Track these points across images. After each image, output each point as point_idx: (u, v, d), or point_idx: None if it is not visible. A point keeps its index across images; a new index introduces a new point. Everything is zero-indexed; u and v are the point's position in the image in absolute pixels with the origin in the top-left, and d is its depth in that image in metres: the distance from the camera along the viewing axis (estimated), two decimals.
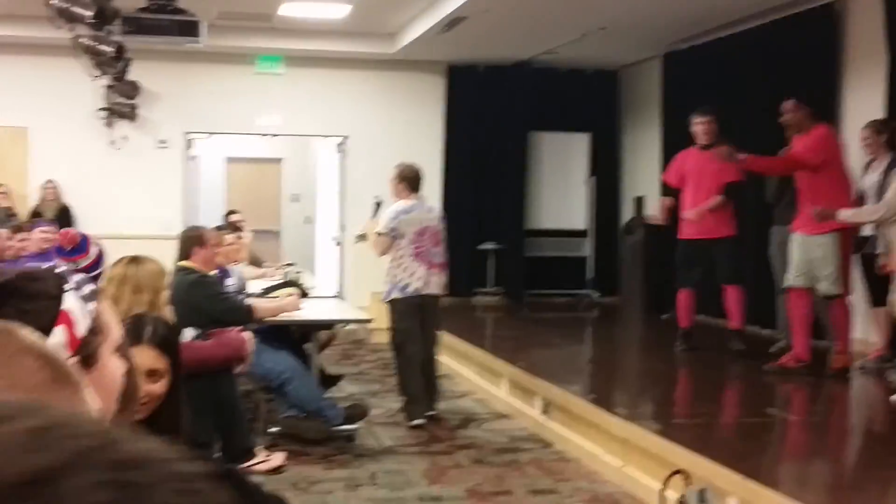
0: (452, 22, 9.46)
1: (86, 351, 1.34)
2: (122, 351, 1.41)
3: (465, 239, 12.15)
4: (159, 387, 2.36)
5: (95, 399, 1.12)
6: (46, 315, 1.30)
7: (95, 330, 1.36)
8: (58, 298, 1.32)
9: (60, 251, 5.18)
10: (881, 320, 6.84)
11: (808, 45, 8.46)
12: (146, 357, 2.39)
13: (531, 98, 12.06)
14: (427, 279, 6.54)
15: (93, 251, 5.03)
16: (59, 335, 1.31)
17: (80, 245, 5.14)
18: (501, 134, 12.19)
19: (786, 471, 4.71)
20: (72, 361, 1.32)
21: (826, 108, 8.14)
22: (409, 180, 6.66)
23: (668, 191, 8.33)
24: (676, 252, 8.10)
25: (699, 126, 7.86)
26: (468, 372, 8.04)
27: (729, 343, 7.63)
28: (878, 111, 7.33)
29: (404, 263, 6.54)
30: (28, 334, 1.03)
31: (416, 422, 6.30)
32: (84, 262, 4.74)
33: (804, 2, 8.33)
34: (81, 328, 1.33)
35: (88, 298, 1.38)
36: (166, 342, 2.48)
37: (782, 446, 5.17)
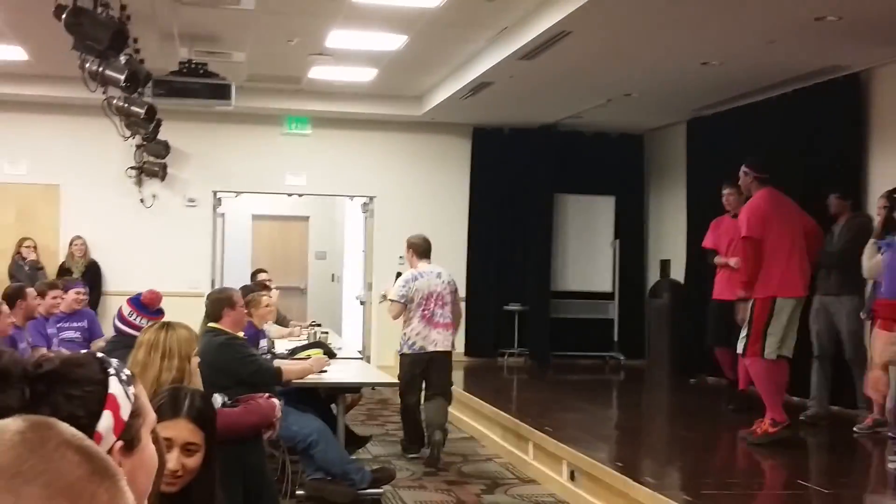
0: (478, 87, 9.58)
1: (129, 434, 1.36)
2: (154, 431, 1.43)
3: (491, 300, 12.18)
4: (195, 460, 2.36)
5: (134, 487, 1.14)
6: (94, 400, 1.32)
7: (136, 412, 1.38)
8: (103, 383, 1.35)
9: (144, 308, 5.29)
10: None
11: (832, 113, 8.52)
12: (184, 430, 2.39)
13: (556, 161, 12.14)
14: (433, 338, 7.32)
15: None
16: (106, 420, 1.33)
17: (160, 309, 5.29)
18: (527, 196, 12.25)
19: None
20: (118, 445, 1.35)
21: (851, 177, 8.17)
22: (418, 249, 7.59)
23: (708, 253, 8.74)
24: (709, 312, 8.57)
25: (727, 197, 8.42)
26: (494, 435, 8.00)
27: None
28: None
29: (412, 323, 7.39)
30: (68, 427, 1.05)
31: (409, 455, 7.38)
32: None
33: (829, 71, 8.37)
34: (125, 412, 1.36)
35: (128, 382, 1.41)
36: (203, 416, 2.49)
37: None
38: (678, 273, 11.27)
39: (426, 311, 7.34)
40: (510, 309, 12.08)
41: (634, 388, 10.72)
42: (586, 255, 12.28)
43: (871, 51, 7.67)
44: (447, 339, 7.38)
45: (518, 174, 12.25)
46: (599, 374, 11.25)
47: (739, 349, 6.65)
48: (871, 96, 8.30)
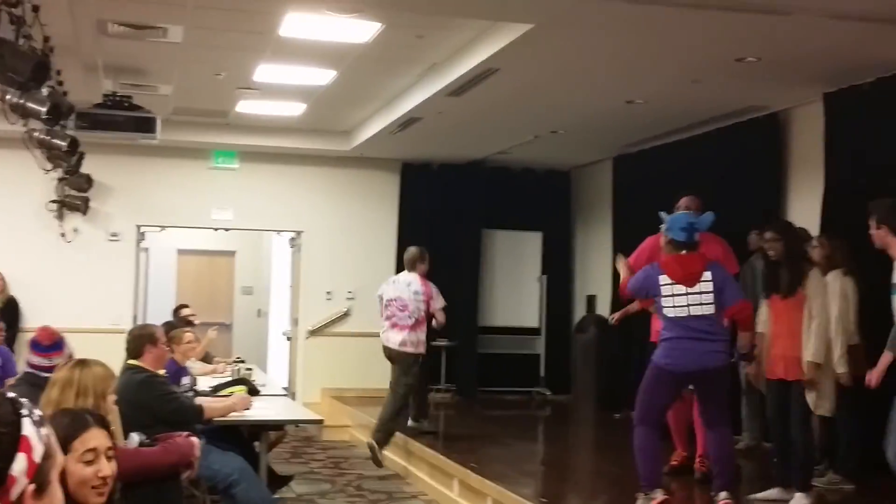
0: (407, 122, 9.61)
1: (41, 477, 1.32)
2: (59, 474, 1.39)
3: None
4: (115, 464, 2.41)
5: None
6: (7, 442, 1.27)
7: (48, 454, 1.34)
8: (16, 424, 1.30)
9: (36, 346, 5.08)
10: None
11: (753, 152, 8.71)
12: (101, 437, 2.45)
13: (484, 196, 12.22)
14: (389, 337, 8.27)
15: (66, 352, 4.95)
16: (20, 463, 1.28)
17: (57, 343, 5.06)
18: (455, 231, 12.29)
19: None
20: (30, 489, 1.29)
21: (770, 214, 8.34)
22: (405, 260, 8.69)
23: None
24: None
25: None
26: (420, 472, 7.94)
27: None
28: (817, 214, 7.50)
29: (382, 322, 8.41)
30: None
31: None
32: (58, 361, 4.64)
33: (750, 111, 8.57)
34: (38, 454, 1.31)
35: (40, 423, 1.36)
36: (105, 422, 2.57)
37: None
38: (604, 308, 11.37)
39: (390, 312, 8.30)
40: (437, 344, 12.03)
41: (560, 423, 10.75)
42: (514, 291, 12.34)
43: (789, 92, 7.88)
44: (399, 338, 8.17)
45: (446, 209, 12.29)
46: (526, 410, 11.26)
47: None
48: (789, 136, 8.52)
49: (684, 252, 5.55)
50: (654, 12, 5.74)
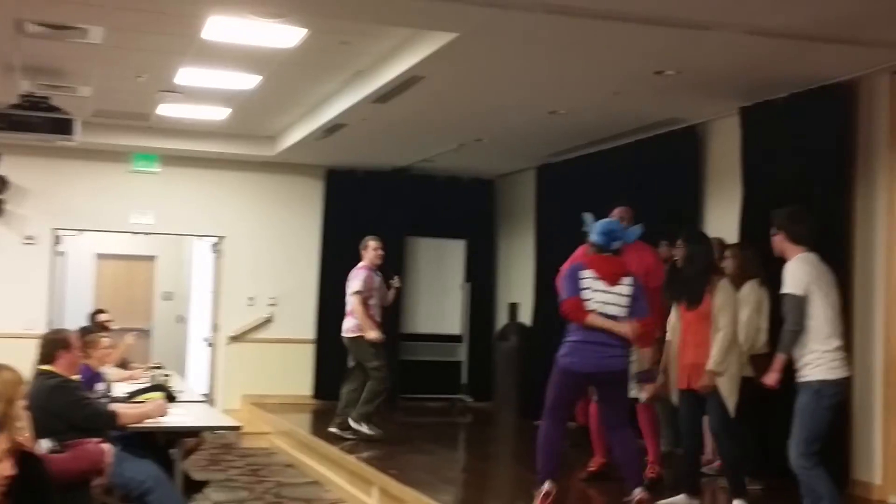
0: (332, 128, 9.59)
1: None
2: None
3: (341, 342, 12.05)
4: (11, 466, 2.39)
5: None
6: None
7: None
8: None
9: None
10: None
11: (672, 164, 8.87)
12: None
13: (408, 204, 12.25)
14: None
15: None
16: None
17: None
18: (378, 238, 12.25)
19: None
20: None
21: (690, 223, 8.51)
22: None
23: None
24: None
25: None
26: (340, 479, 7.91)
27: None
28: (735, 226, 7.68)
29: None
30: None
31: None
32: None
33: (669, 123, 8.73)
34: None
35: None
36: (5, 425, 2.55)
37: None
38: (526, 316, 11.47)
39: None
40: None
41: (481, 430, 10.78)
42: (437, 298, 12.37)
43: (707, 105, 8.04)
44: (345, 326, 8.96)
45: (370, 216, 12.25)
46: (447, 417, 11.30)
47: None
48: (707, 148, 8.69)
49: (606, 255, 5.68)
50: (575, 24, 5.82)
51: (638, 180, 9.24)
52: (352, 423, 8.61)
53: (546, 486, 5.62)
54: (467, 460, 8.84)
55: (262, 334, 12.15)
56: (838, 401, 5.22)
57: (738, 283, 6.56)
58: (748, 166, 7.76)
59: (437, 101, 8.16)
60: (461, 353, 12.32)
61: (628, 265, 5.82)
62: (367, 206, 12.21)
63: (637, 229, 5.91)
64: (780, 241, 5.36)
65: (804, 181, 7.09)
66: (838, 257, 6.31)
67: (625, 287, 5.58)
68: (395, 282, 9.17)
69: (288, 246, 12.22)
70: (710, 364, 5.66)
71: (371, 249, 9.02)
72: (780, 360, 5.18)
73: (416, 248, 12.39)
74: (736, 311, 5.90)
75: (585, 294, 5.53)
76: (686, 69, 6.92)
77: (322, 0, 5.86)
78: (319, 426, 10.16)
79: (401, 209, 12.25)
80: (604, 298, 5.55)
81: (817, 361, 5.09)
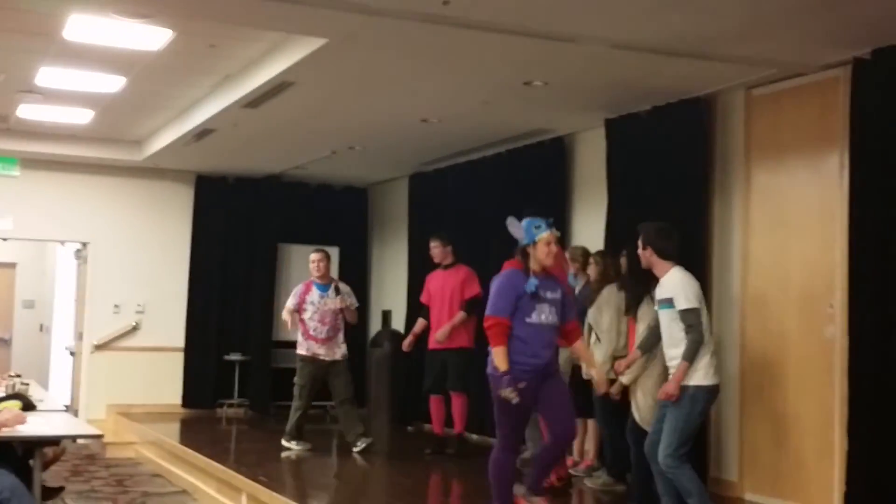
0: (201, 133, 9.44)
1: None
2: None
3: (211, 349, 11.93)
4: None
5: None
6: None
7: None
8: None
9: None
10: (591, 431, 7.43)
11: (541, 174, 9.06)
12: None
13: (281, 211, 12.17)
14: None
15: None
16: None
17: None
18: (250, 245, 12.18)
19: None
20: None
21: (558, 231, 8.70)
22: None
23: (423, 309, 8.84)
24: (425, 362, 8.73)
25: (432, 249, 8.69)
26: (208, 488, 7.79)
27: (446, 447, 8.42)
28: (601, 235, 7.89)
29: None
30: None
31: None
32: None
33: (538, 134, 8.91)
34: None
35: None
36: None
37: None
38: (399, 323, 11.51)
39: None
40: (230, 359, 11.87)
41: None
42: None
43: (574, 116, 8.24)
44: None
45: (242, 223, 12.16)
46: (320, 424, 11.20)
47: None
48: (574, 158, 8.91)
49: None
50: (444, 33, 5.89)
51: (508, 189, 9.41)
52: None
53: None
54: (339, 466, 8.81)
55: (128, 342, 11.86)
56: (710, 406, 5.46)
57: (598, 287, 6.82)
58: (613, 176, 7.99)
59: (308, 107, 8.12)
60: None
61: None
62: (239, 213, 12.10)
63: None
64: (648, 256, 5.61)
65: (665, 192, 7.35)
66: (697, 267, 6.54)
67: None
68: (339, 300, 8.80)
69: (156, 252, 11.97)
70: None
71: (311, 262, 8.90)
72: (683, 367, 5.34)
73: (288, 255, 12.29)
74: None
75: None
76: (553, 80, 7.08)
77: (188, 1, 5.76)
78: (187, 434, 10.00)
79: (273, 216, 12.16)
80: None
81: (695, 368, 5.33)
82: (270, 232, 12.16)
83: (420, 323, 8.83)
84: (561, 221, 8.80)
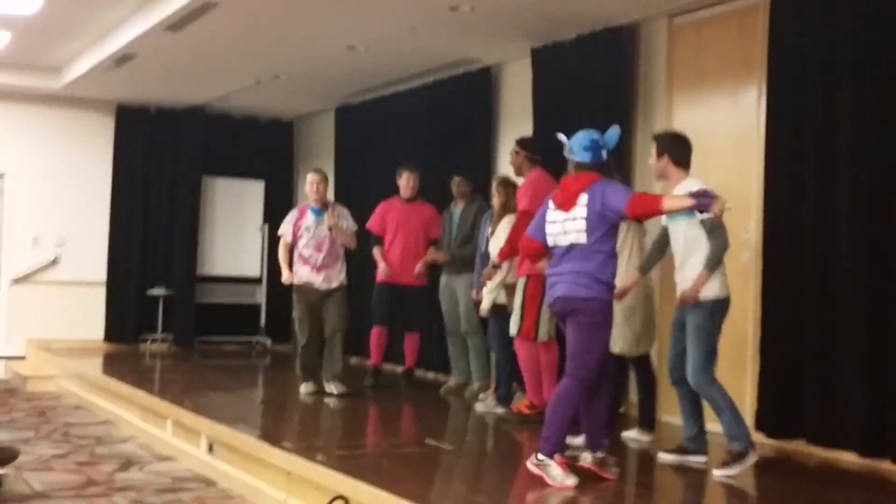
0: (121, 59, 9.24)
1: None
2: None
3: (134, 284, 11.80)
4: None
5: None
6: None
7: None
8: None
9: None
10: None
11: (468, 104, 9.07)
12: None
13: (205, 143, 12.03)
14: None
15: None
16: None
17: None
18: (173, 178, 12.01)
19: (436, 490, 4.96)
20: None
21: (484, 163, 8.76)
22: None
23: (370, 238, 8.60)
24: (374, 293, 8.58)
25: (405, 180, 8.39)
26: (132, 417, 7.76)
27: (401, 381, 8.54)
28: None
29: None
30: None
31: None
32: None
33: (465, 63, 8.90)
34: None
35: None
36: None
37: (436, 471, 5.42)
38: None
39: None
40: (154, 294, 11.76)
41: (279, 369, 10.76)
42: (234, 239, 12.22)
43: (501, 46, 8.25)
44: None
45: (165, 156, 11.99)
46: (246, 359, 11.22)
47: (513, 331, 6.56)
48: (500, 88, 8.93)
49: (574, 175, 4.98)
50: None
51: (435, 120, 9.42)
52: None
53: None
54: (264, 395, 8.84)
55: (48, 276, 11.66)
56: (725, 318, 5.28)
57: (499, 217, 6.93)
58: (539, 106, 8.04)
59: (232, 31, 8.00)
60: (260, 296, 12.22)
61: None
62: (161, 145, 11.95)
63: (614, 131, 5.02)
64: (663, 165, 5.34)
65: (590, 122, 7.35)
66: None
67: (581, 208, 4.83)
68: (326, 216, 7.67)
69: (76, 184, 11.74)
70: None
71: (307, 184, 7.83)
72: (705, 276, 5.13)
73: (212, 188, 12.18)
74: None
75: (547, 228, 4.92)
76: (480, 5, 7.06)
77: None
78: (110, 368, 9.92)
79: (196, 149, 12.00)
80: (555, 230, 4.90)
81: (712, 280, 5.14)
82: (194, 165, 12.01)
83: (380, 251, 8.46)
84: (488, 152, 8.87)
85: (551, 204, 4.94)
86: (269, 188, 12.38)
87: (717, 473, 5.10)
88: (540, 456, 4.75)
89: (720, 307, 5.24)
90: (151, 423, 7.34)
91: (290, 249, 7.85)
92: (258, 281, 12.25)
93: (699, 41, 6.88)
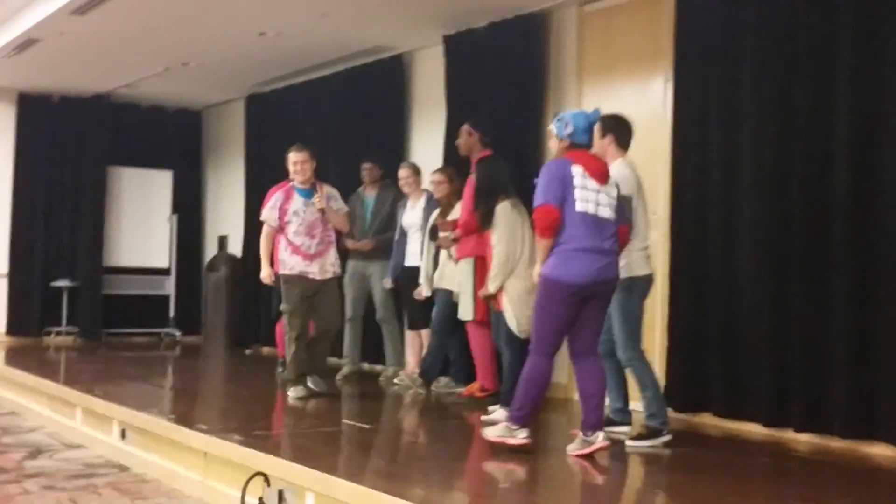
0: (24, 44, 9.01)
1: None
2: None
3: (37, 276, 11.54)
4: None
5: None
6: None
7: None
8: None
9: None
10: (415, 342, 7.74)
11: (380, 91, 9.10)
12: None
13: (110, 133, 11.83)
14: None
15: None
16: None
17: None
18: (78, 168, 11.78)
19: (355, 465, 4.99)
20: None
21: (396, 150, 8.80)
22: None
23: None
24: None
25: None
26: (39, 406, 7.60)
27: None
28: (439, 153, 8.02)
29: None
30: None
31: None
32: None
33: (377, 51, 8.93)
34: None
35: None
36: None
37: (353, 447, 5.46)
38: (236, 248, 11.41)
39: None
40: (58, 286, 11.50)
41: (190, 359, 10.63)
42: (142, 230, 12.03)
43: (413, 33, 8.30)
44: None
45: (68, 145, 11.75)
46: (154, 351, 11.06)
47: (469, 315, 6.60)
48: (413, 77, 8.98)
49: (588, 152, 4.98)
50: None
51: (346, 110, 9.43)
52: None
53: (524, 435, 4.92)
54: (175, 382, 8.74)
55: None
56: (646, 295, 5.46)
57: (451, 204, 7.09)
58: (451, 94, 8.12)
59: (140, 15, 7.88)
60: (168, 287, 12.05)
61: None
62: (65, 134, 11.72)
63: (594, 114, 5.05)
64: (606, 144, 5.37)
65: (502, 109, 7.53)
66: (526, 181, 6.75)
67: (612, 187, 4.91)
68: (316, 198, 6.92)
69: None
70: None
71: (290, 164, 6.95)
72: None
73: (118, 178, 11.97)
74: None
75: (577, 193, 4.77)
76: None
77: None
78: (14, 359, 9.68)
79: (102, 138, 11.78)
80: (597, 199, 4.80)
81: (633, 258, 5.27)
82: (99, 154, 11.78)
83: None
84: (399, 140, 8.92)
85: (582, 171, 4.80)
86: (178, 178, 12.22)
87: (630, 444, 5.25)
88: (513, 426, 4.89)
89: (638, 284, 5.36)
90: (60, 413, 7.21)
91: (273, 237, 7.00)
92: (167, 272, 12.08)
93: (609, 29, 7.05)
